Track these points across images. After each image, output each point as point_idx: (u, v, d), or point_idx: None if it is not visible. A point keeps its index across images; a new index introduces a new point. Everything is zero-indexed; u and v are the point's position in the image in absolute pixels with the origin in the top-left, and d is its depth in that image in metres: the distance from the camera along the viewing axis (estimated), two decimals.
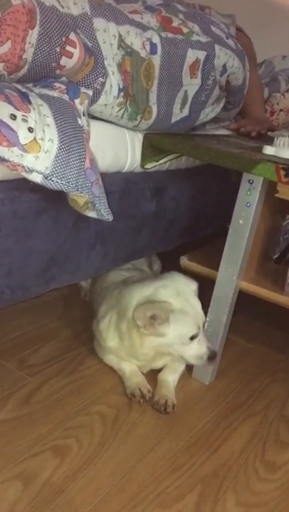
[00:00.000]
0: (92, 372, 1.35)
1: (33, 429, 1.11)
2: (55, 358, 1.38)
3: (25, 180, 0.91)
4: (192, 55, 1.26)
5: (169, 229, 1.47)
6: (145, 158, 1.31)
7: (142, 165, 1.32)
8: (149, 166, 1.33)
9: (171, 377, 1.34)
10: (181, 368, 1.37)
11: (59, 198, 1.00)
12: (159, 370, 1.35)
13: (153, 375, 1.35)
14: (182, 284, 1.26)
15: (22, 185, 0.96)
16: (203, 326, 1.26)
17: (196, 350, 1.22)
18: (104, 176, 1.11)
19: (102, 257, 1.23)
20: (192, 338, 1.20)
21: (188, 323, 1.20)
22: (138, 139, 1.28)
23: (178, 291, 1.23)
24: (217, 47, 1.32)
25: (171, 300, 1.19)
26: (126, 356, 1.32)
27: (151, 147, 1.31)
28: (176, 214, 1.47)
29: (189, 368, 1.39)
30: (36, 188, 0.93)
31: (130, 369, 1.33)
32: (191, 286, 1.27)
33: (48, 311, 1.62)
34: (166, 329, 1.18)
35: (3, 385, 1.23)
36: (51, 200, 1.01)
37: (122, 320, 1.26)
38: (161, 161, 1.36)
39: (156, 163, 1.35)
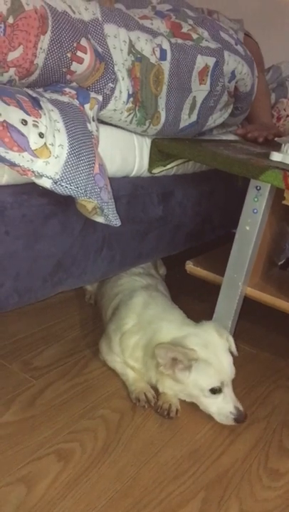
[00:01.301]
0: (96, 376, 1.35)
1: (36, 433, 1.11)
2: (60, 361, 1.38)
3: (34, 185, 0.91)
4: (201, 61, 1.26)
5: (175, 233, 1.47)
6: (153, 163, 1.32)
7: (150, 170, 1.32)
8: (156, 170, 1.34)
9: None
10: None
11: (67, 202, 1.00)
12: None
13: None
14: (215, 336, 1.23)
15: (31, 189, 0.97)
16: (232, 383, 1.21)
17: (221, 407, 1.19)
18: (112, 181, 1.11)
19: (108, 262, 1.23)
20: (214, 391, 1.17)
21: (210, 375, 1.17)
22: (146, 143, 1.29)
23: (208, 343, 1.20)
24: (226, 53, 1.33)
25: (198, 349, 1.17)
26: (136, 369, 1.32)
27: (159, 152, 1.31)
28: (183, 219, 1.48)
29: None
30: (45, 192, 0.93)
31: (134, 374, 1.33)
32: (224, 340, 1.23)
33: (52, 314, 1.62)
34: (185, 377, 1.17)
35: (8, 388, 1.24)
36: (59, 204, 1.01)
37: (148, 351, 1.25)
38: (168, 166, 1.37)
39: (164, 168, 1.35)
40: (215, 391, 1.18)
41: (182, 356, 1.15)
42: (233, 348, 1.25)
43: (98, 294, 1.68)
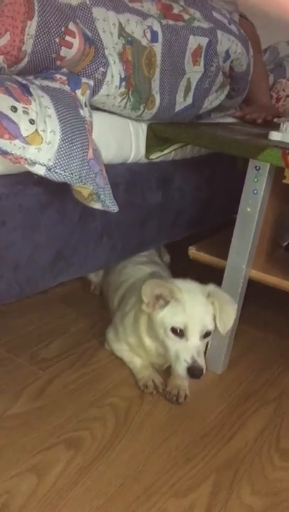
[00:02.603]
0: (104, 365, 1.35)
1: (46, 423, 1.11)
2: (67, 352, 1.38)
3: (29, 174, 0.91)
4: (194, 41, 1.24)
5: (176, 220, 1.46)
6: (150, 148, 1.30)
7: (147, 155, 1.31)
8: (153, 156, 1.32)
9: None
10: None
11: (64, 191, 0.99)
12: None
13: (166, 368, 1.34)
14: (201, 291, 1.21)
15: (26, 178, 0.96)
16: (205, 336, 1.17)
17: (178, 351, 1.14)
18: (109, 168, 1.10)
19: (109, 250, 1.23)
20: (175, 332, 1.15)
21: (176, 314, 1.15)
22: (142, 129, 1.27)
23: (193, 293, 1.19)
24: (219, 32, 1.31)
25: (182, 290, 1.17)
26: (142, 353, 1.31)
27: (156, 137, 1.29)
28: (183, 204, 1.46)
29: None
30: (40, 181, 0.93)
31: (142, 362, 1.33)
32: (205, 300, 1.20)
33: (57, 307, 1.62)
34: (158, 314, 1.18)
35: (16, 380, 1.24)
36: (56, 193, 1.01)
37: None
38: (166, 151, 1.35)
39: (161, 154, 1.34)
40: (176, 332, 1.15)
41: (167, 292, 1.16)
42: (219, 323, 1.20)
43: (103, 284, 1.67)
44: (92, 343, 1.45)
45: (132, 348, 1.34)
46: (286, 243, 1.51)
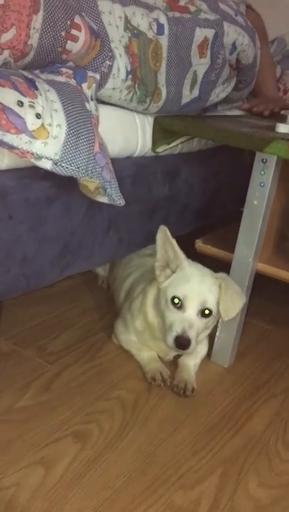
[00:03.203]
0: (111, 358, 1.36)
1: (53, 415, 1.12)
2: (74, 345, 1.39)
3: (35, 168, 0.91)
4: (200, 33, 1.23)
5: (182, 213, 1.46)
6: (156, 141, 1.30)
7: (153, 149, 1.30)
8: (160, 149, 1.32)
9: (192, 362, 1.33)
10: (203, 352, 1.37)
11: (70, 184, 0.99)
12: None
13: (173, 361, 1.35)
14: (209, 272, 1.24)
15: (33, 172, 0.96)
16: (203, 315, 1.18)
17: (173, 323, 1.16)
18: (116, 161, 1.10)
19: (116, 243, 1.23)
20: (174, 304, 1.17)
21: (178, 285, 1.18)
22: (148, 122, 1.27)
23: (200, 269, 1.23)
24: (226, 24, 1.30)
25: (188, 264, 1.21)
26: (149, 340, 1.32)
27: (162, 130, 1.29)
28: (190, 198, 1.46)
29: (208, 352, 1.38)
30: (47, 175, 0.93)
31: (149, 354, 1.34)
32: (212, 279, 1.21)
33: (65, 300, 1.63)
34: (165, 282, 1.21)
35: (23, 373, 1.25)
36: (62, 187, 1.01)
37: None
38: (172, 144, 1.35)
39: (168, 147, 1.34)
40: (175, 303, 1.17)
41: (173, 255, 1.21)
42: (222, 308, 1.21)
43: (110, 278, 1.68)
44: (100, 336, 1.46)
45: (139, 335, 1.34)
46: None
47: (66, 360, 1.32)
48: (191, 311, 1.17)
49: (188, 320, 1.16)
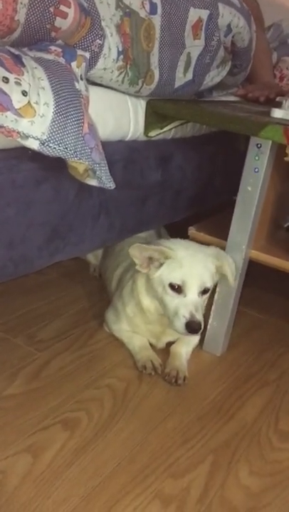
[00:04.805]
0: (102, 347, 1.34)
1: (42, 403, 1.10)
2: (64, 334, 1.37)
3: (23, 149, 0.88)
4: (194, 14, 1.20)
5: (175, 199, 1.43)
6: (149, 125, 1.27)
7: (146, 133, 1.27)
8: (153, 133, 1.29)
9: (184, 350, 1.32)
10: (196, 340, 1.35)
11: (59, 167, 0.96)
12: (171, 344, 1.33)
13: (165, 349, 1.33)
14: (198, 248, 1.24)
15: (20, 154, 0.93)
16: (203, 293, 1.19)
17: (177, 307, 1.15)
18: (107, 144, 1.07)
19: (107, 229, 1.20)
20: (173, 288, 1.16)
21: (174, 271, 1.16)
22: (141, 105, 1.24)
23: (189, 248, 1.21)
24: (221, 5, 1.26)
25: (177, 250, 1.19)
26: (141, 324, 1.30)
27: (155, 114, 1.26)
28: (183, 183, 1.44)
29: (200, 341, 1.36)
30: (35, 156, 0.90)
31: (141, 343, 1.32)
32: (207, 253, 1.22)
33: (55, 288, 1.61)
34: (155, 273, 1.19)
35: (12, 361, 1.23)
36: (51, 169, 0.98)
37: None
38: (165, 129, 1.32)
39: (161, 131, 1.31)
40: (174, 288, 1.16)
41: (157, 254, 1.18)
42: (230, 276, 1.23)
43: (102, 266, 1.66)
44: (91, 324, 1.44)
45: (130, 321, 1.32)
46: (288, 224, 1.48)
47: (56, 348, 1.30)
48: (193, 294, 1.16)
49: (193, 303, 1.15)
